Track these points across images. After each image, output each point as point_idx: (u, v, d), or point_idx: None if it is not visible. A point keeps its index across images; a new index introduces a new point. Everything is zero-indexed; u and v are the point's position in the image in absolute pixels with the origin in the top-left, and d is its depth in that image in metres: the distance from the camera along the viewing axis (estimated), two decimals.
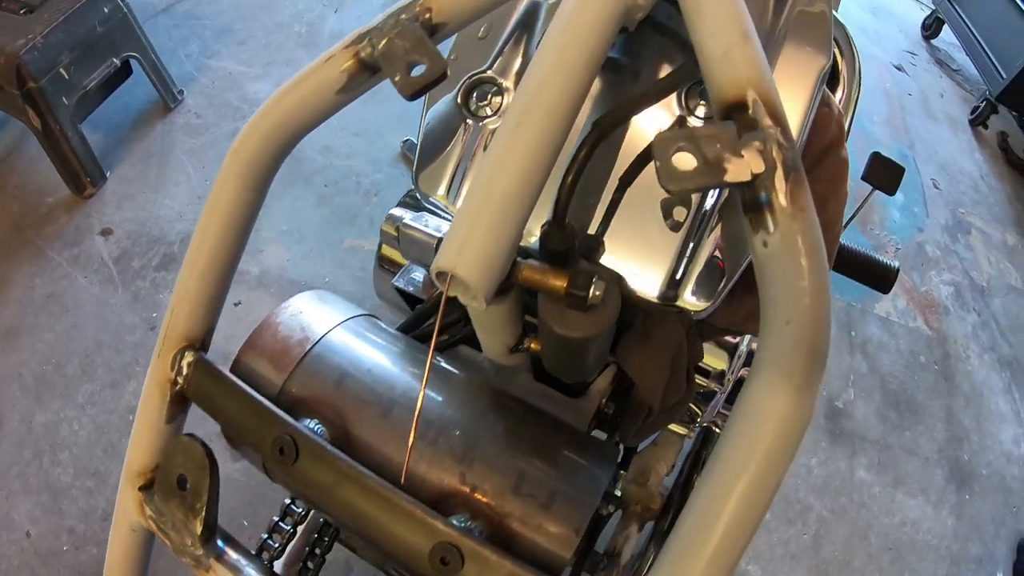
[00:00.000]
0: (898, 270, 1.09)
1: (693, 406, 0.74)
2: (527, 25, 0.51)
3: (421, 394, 0.39)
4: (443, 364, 0.47)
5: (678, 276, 0.43)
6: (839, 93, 0.94)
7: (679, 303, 0.43)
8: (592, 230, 0.46)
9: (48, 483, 1.21)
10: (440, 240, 0.54)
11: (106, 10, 1.48)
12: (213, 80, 1.85)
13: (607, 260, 0.45)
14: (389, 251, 0.66)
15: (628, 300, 0.44)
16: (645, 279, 0.43)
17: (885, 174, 1.09)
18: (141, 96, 1.72)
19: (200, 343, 0.43)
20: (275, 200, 1.62)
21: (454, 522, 0.33)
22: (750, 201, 0.31)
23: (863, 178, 1.12)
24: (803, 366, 0.29)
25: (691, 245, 0.44)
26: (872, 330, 1.64)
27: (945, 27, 2.56)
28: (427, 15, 0.39)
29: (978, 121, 2.33)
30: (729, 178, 0.30)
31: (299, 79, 0.41)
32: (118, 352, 1.33)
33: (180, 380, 0.43)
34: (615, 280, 0.38)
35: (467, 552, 0.32)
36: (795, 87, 0.44)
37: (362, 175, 1.70)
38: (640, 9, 0.38)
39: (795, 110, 0.44)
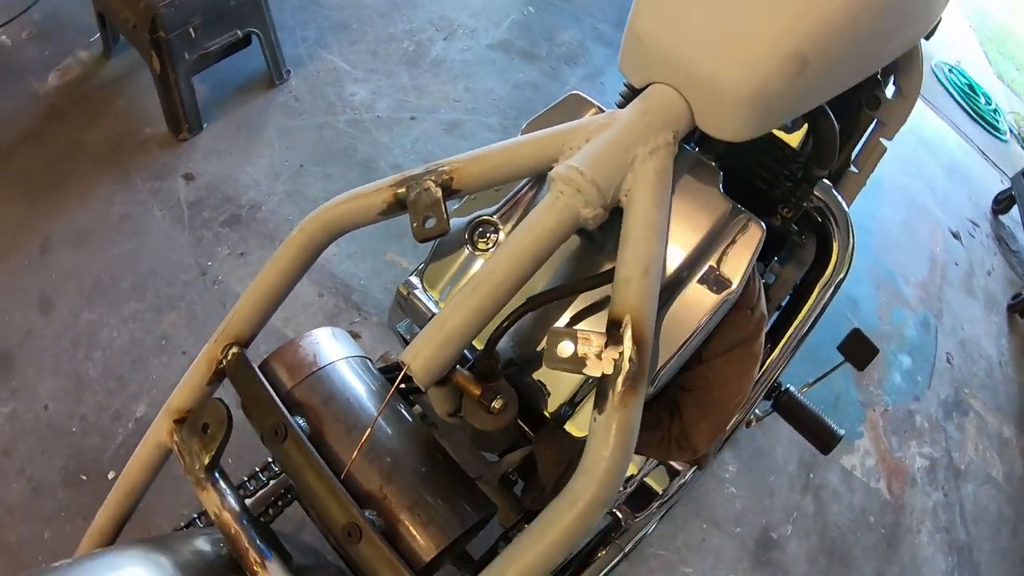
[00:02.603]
0: (841, 438, 1.23)
1: None
2: (531, 189, 0.70)
3: (370, 427, 0.60)
4: (402, 411, 0.68)
5: (570, 406, 0.62)
6: (826, 272, 1.09)
7: (566, 427, 0.62)
8: (540, 347, 0.65)
9: (76, 372, 1.43)
10: (431, 315, 0.75)
11: None
12: (319, 70, 2.09)
13: (538, 374, 0.65)
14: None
15: (536, 410, 0.63)
16: (549, 400, 0.62)
17: (859, 351, 1.24)
18: (252, 65, 1.97)
19: (245, 342, 0.65)
20: None
21: (365, 513, 0.54)
22: (599, 388, 0.50)
23: (838, 348, 1.26)
24: (584, 505, 0.48)
25: (588, 387, 0.63)
26: (832, 478, 1.76)
27: (1016, 206, 2.66)
28: (450, 180, 0.58)
29: (1016, 308, 2.42)
30: (587, 371, 0.49)
31: (354, 195, 0.61)
32: (169, 284, 1.56)
33: (224, 362, 0.65)
34: (513, 399, 0.57)
35: (365, 533, 0.52)
36: (688, 312, 0.62)
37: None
38: (590, 224, 0.56)
39: (683, 327, 0.62)
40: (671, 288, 0.62)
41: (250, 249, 1.69)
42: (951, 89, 3.46)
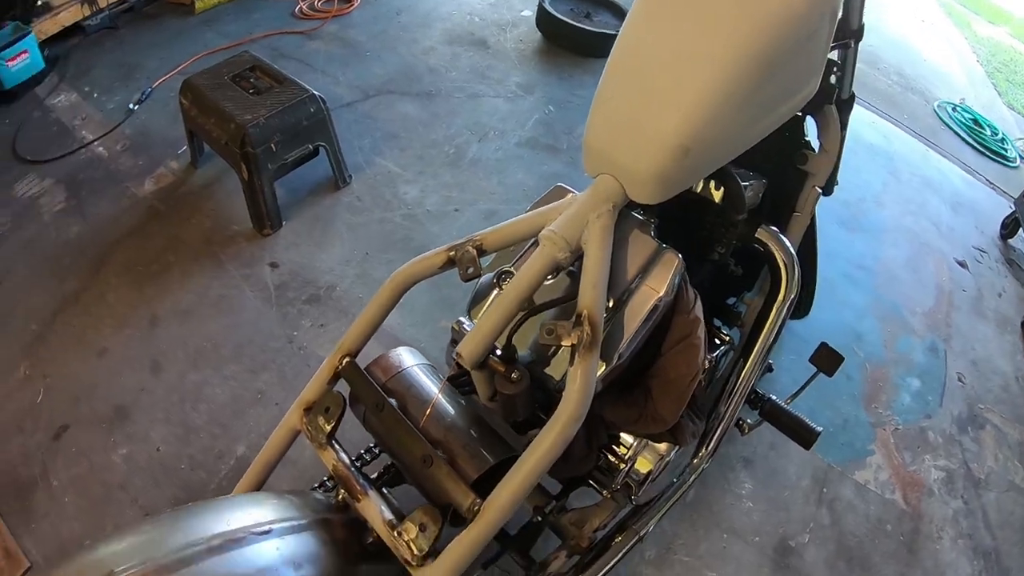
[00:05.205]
0: (819, 433, 1.53)
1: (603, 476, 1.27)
2: (533, 247, 1.09)
3: (436, 395, 1.00)
4: (458, 396, 1.08)
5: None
6: (779, 296, 1.44)
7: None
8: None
9: (184, 421, 1.77)
10: None
11: (312, 110, 2.24)
12: (376, 174, 2.59)
13: (547, 369, 1.02)
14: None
15: (547, 386, 1.01)
16: (553, 380, 1.00)
17: (827, 360, 1.57)
18: (320, 171, 2.48)
19: (354, 354, 1.06)
20: None
21: (436, 451, 0.93)
22: (571, 353, 0.88)
23: (809, 360, 1.59)
24: (567, 416, 0.85)
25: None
26: (846, 492, 1.97)
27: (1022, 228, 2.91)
28: (480, 244, 1.00)
29: None
30: (563, 343, 0.87)
31: (422, 257, 1.03)
32: (262, 351, 1.98)
33: (340, 367, 1.05)
34: (526, 373, 0.95)
35: (436, 461, 0.90)
36: (636, 310, 1.00)
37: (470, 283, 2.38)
38: (564, 263, 0.94)
39: (635, 319, 1.00)
40: (624, 296, 1.01)
41: (328, 321, 2.09)
42: (955, 127, 3.80)
